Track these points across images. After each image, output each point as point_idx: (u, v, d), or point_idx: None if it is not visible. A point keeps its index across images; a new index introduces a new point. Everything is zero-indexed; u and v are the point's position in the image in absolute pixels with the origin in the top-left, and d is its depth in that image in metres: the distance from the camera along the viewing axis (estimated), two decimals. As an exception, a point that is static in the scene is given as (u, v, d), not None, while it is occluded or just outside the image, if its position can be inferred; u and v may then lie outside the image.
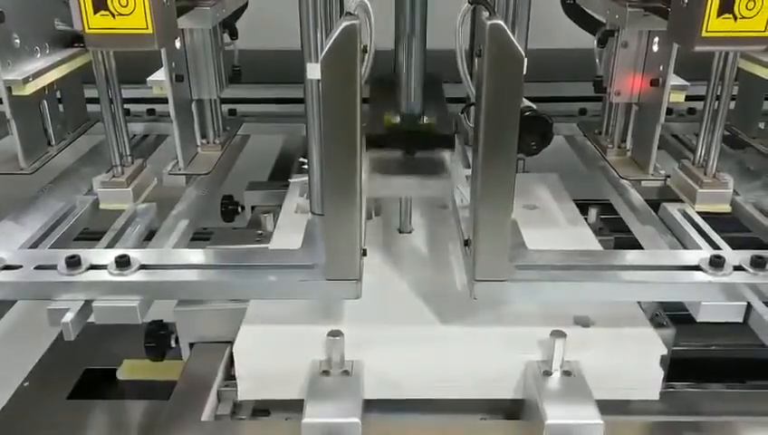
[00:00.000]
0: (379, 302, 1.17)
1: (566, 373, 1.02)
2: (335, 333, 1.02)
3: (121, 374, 1.45)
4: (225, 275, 1.08)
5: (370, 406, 1.04)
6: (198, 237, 1.39)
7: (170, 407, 1.06)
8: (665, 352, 1.06)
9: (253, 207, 1.60)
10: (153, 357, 1.21)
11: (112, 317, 1.04)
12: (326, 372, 1.03)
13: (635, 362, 1.07)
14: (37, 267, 1.08)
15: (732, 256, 1.08)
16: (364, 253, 1.05)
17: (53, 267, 1.06)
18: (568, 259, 1.10)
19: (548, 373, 1.02)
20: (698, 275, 1.06)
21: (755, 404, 1.20)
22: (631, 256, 1.16)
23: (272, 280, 1.06)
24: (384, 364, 1.06)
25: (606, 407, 0.96)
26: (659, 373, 1.07)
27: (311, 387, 1.00)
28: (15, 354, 1.50)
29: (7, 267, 1.08)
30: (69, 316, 1.00)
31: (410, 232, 1.43)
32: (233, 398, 1.11)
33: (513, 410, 1.10)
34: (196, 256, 1.14)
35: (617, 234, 1.48)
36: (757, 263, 1.06)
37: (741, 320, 1.04)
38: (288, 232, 1.35)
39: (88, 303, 1.03)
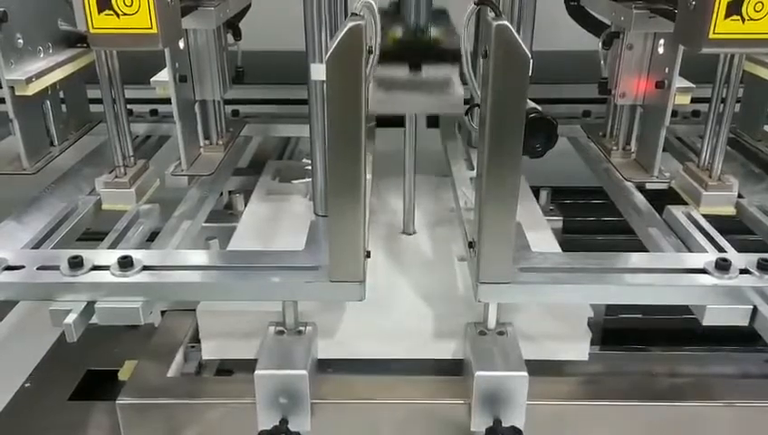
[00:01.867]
0: None
1: (500, 334, 1.11)
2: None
3: (123, 375, 1.45)
4: (228, 277, 1.07)
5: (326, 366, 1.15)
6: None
7: (139, 365, 1.14)
8: (591, 314, 1.14)
9: (230, 192, 1.62)
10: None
11: (115, 318, 1.04)
12: (281, 332, 1.11)
13: (564, 324, 1.15)
14: (40, 268, 1.07)
15: (737, 259, 1.08)
16: (368, 254, 1.05)
17: (56, 268, 1.06)
18: (572, 262, 1.10)
19: (483, 333, 1.12)
20: (704, 278, 1.05)
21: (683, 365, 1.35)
22: (636, 259, 1.16)
23: (275, 281, 1.06)
24: (337, 326, 1.13)
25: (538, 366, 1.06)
26: (587, 335, 1.15)
27: (265, 344, 1.08)
28: (17, 355, 1.50)
29: (9, 268, 1.07)
30: (71, 317, 1.00)
31: (413, 234, 1.43)
32: (198, 358, 1.20)
33: (454, 370, 1.16)
34: (200, 257, 1.14)
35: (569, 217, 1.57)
36: (763, 266, 1.05)
37: (746, 323, 1.04)
38: (256, 210, 1.48)
39: (90, 304, 1.03)
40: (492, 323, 1.13)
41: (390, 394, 1.09)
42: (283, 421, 1.03)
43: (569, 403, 1.10)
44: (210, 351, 1.17)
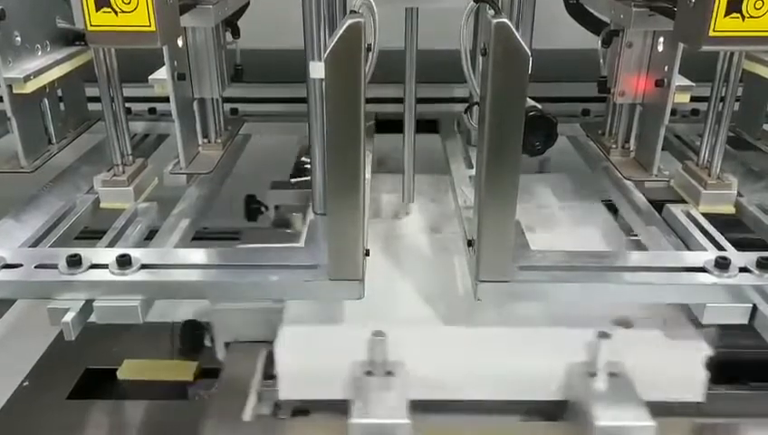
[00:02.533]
0: (412, 302, 1.17)
1: (612, 375, 1.02)
2: (378, 334, 1.02)
3: (122, 374, 1.45)
4: (226, 275, 1.07)
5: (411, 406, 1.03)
6: (199, 237, 1.38)
7: (212, 407, 1.06)
8: (710, 352, 1.05)
9: (276, 207, 1.57)
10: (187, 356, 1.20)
11: (113, 317, 1.03)
12: (369, 373, 1.02)
13: (679, 364, 1.06)
14: (38, 266, 1.07)
15: (737, 257, 1.08)
16: (367, 253, 1.05)
17: (54, 266, 1.06)
18: (572, 260, 1.10)
19: (593, 374, 1.02)
20: (703, 277, 1.05)
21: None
22: (636, 258, 1.16)
23: (274, 280, 1.06)
24: (425, 365, 1.05)
25: (651, 409, 0.96)
26: (703, 375, 1.06)
27: (356, 387, 1.00)
28: (15, 354, 1.50)
29: (7, 266, 1.07)
30: (69, 316, 1.00)
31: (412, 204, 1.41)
32: (273, 398, 1.10)
33: (550, 411, 1.09)
34: (198, 255, 1.13)
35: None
36: (762, 264, 1.05)
37: (746, 322, 1.04)
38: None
39: (89, 302, 1.03)
40: (602, 362, 1.03)
41: None
42: None
43: None
44: (288, 391, 1.08)
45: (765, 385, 1.22)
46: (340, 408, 1.01)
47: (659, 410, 0.98)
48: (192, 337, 1.17)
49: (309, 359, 1.08)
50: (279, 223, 1.47)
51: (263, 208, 1.68)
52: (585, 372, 1.02)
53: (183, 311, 1.61)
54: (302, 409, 1.12)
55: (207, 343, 1.17)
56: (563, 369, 1.05)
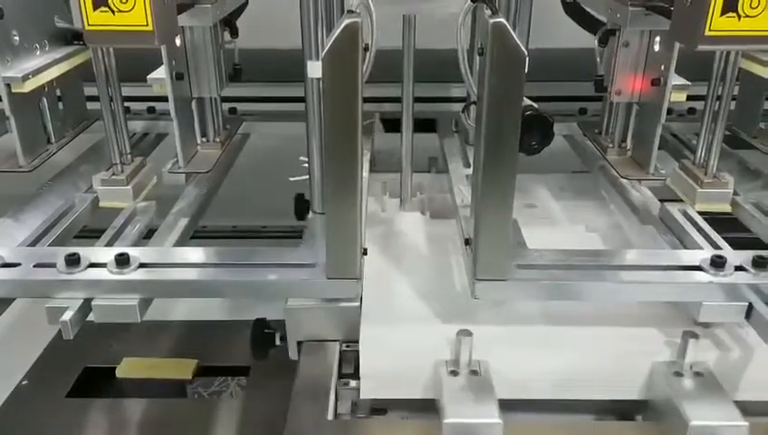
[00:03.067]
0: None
1: (697, 374, 1.02)
2: (464, 333, 1.01)
3: (120, 372, 1.45)
4: (225, 274, 1.07)
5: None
6: (198, 236, 1.39)
7: (294, 405, 1.03)
8: None
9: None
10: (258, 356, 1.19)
11: (112, 316, 1.04)
12: (454, 372, 1.02)
13: (763, 362, 1.05)
14: (36, 265, 1.07)
15: (733, 256, 1.08)
16: (365, 252, 1.05)
17: (53, 265, 1.06)
18: (568, 259, 1.10)
19: (679, 374, 1.02)
20: (699, 276, 1.06)
21: None
22: (632, 256, 1.17)
23: (272, 278, 1.06)
24: (509, 364, 1.05)
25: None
26: None
27: (443, 387, 0.99)
28: (14, 352, 1.50)
29: (6, 265, 1.07)
30: (68, 315, 1.00)
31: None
32: (351, 397, 1.10)
33: (625, 410, 1.09)
34: (196, 254, 1.14)
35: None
36: (758, 263, 1.05)
37: (742, 320, 1.04)
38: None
39: (87, 301, 1.03)
40: (688, 361, 1.02)
41: None
42: None
43: None
44: (370, 390, 1.08)
45: None
46: (417, 407, 1.03)
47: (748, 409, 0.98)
48: (263, 336, 1.17)
49: (391, 358, 1.07)
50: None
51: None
52: (670, 372, 1.02)
53: (180, 309, 1.62)
54: (380, 408, 1.12)
55: (278, 341, 1.17)
56: (646, 368, 1.05)
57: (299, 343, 1.13)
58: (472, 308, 1.11)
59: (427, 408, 1.02)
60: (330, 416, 1.02)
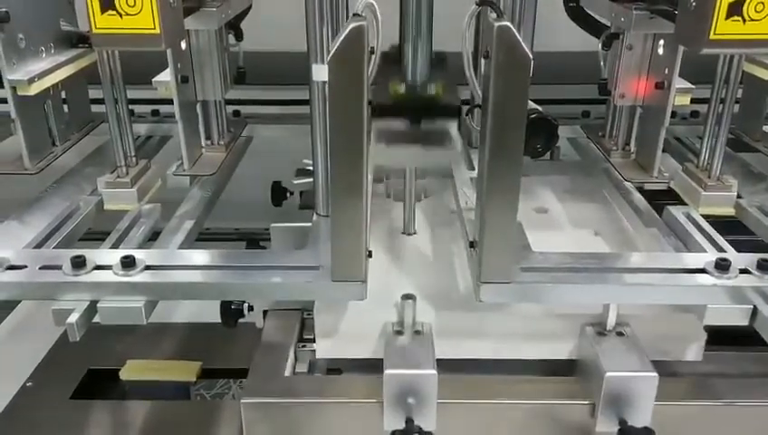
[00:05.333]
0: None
1: (619, 334, 1.10)
2: (408, 296, 1.11)
3: (124, 375, 1.45)
4: (230, 276, 1.07)
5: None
6: (201, 238, 1.39)
7: (254, 364, 1.13)
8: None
9: (301, 193, 1.59)
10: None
11: (118, 318, 1.04)
12: (399, 332, 1.11)
13: (680, 326, 1.13)
14: (42, 267, 1.07)
15: (737, 259, 1.08)
16: (369, 254, 1.05)
17: (58, 267, 1.06)
18: (573, 262, 1.10)
19: (602, 334, 1.10)
20: (704, 278, 1.06)
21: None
22: (636, 259, 1.17)
23: (277, 281, 1.06)
24: (449, 326, 1.13)
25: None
26: (703, 335, 1.13)
27: (388, 344, 1.08)
28: (19, 354, 1.50)
29: (12, 267, 1.08)
30: (74, 317, 1.00)
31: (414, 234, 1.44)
32: (308, 358, 1.21)
33: (554, 369, 1.17)
34: (202, 256, 1.14)
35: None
36: (763, 266, 1.05)
37: (746, 323, 1.04)
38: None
39: (93, 303, 1.03)
40: (611, 323, 1.11)
41: (512, 394, 1.09)
42: (409, 421, 1.02)
43: (691, 403, 1.08)
44: (325, 350, 1.18)
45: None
46: (370, 368, 1.10)
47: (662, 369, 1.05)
48: (231, 311, 1.25)
49: (344, 320, 1.15)
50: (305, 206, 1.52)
51: (287, 194, 1.74)
52: (595, 332, 1.11)
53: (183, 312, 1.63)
54: (335, 368, 1.21)
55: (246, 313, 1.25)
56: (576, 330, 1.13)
57: (264, 312, 1.24)
58: (424, 274, 1.23)
59: (379, 369, 1.07)
60: (287, 373, 1.12)
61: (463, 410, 1.08)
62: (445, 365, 1.05)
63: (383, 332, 1.12)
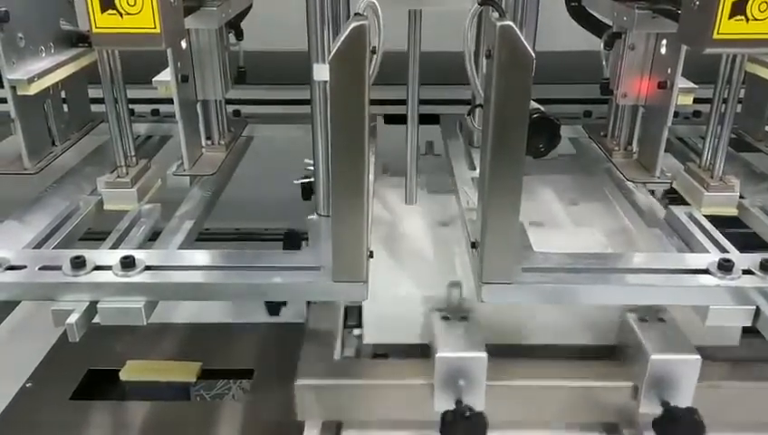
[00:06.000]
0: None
1: (660, 320, 1.14)
2: (455, 284, 1.16)
3: (124, 375, 1.45)
4: (230, 277, 1.07)
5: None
6: (201, 239, 1.39)
7: (305, 350, 1.17)
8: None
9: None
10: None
11: (117, 318, 1.03)
12: (446, 317, 1.14)
13: None
14: (42, 268, 1.07)
15: (740, 259, 1.08)
16: (371, 254, 1.05)
17: (58, 268, 1.06)
18: (575, 262, 1.10)
19: (644, 320, 1.14)
20: (707, 279, 1.05)
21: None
22: (639, 259, 1.16)
23: (278, 281, 1.06)
24: (494, 313, 1.16)
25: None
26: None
27: (437, 329, 1.11)
28: (18, 355, 1.50)
29: (11, 268, 1.07)
30: (74, 317, 1.00)
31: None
32: (355, 344, 1.25)
33: (600, 354, 1.20)
34: (202, 257, 1.13)
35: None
36: (766, 267, 1.05)
37: (749, 324, 1.04)
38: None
39: (93, 304, 1.03)
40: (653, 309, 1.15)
41: (557, 377, 1.13)
42: (458, 402, 1.05)
43: (731, 385, 1.11)
44: (372, 336, 1.22)
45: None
46: (415, 353, 1.15)
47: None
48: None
49: (393, 307, 1.20)
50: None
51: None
52: (637, 318, 1.14)
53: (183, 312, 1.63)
54: (381, 353, 1.24)
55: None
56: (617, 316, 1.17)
57: (308, 303, 1.27)
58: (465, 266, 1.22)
59: (423, 355, 1.14)
60: (336, 358, 1.16)
61: (510, 391, 1.12)
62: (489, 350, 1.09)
63: (429, 317, 1.15)
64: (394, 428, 1.14)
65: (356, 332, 1.23)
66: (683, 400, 1.06)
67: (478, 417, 1.03)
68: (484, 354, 1.05)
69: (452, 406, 1.05)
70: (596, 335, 1.20)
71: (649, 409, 1.07)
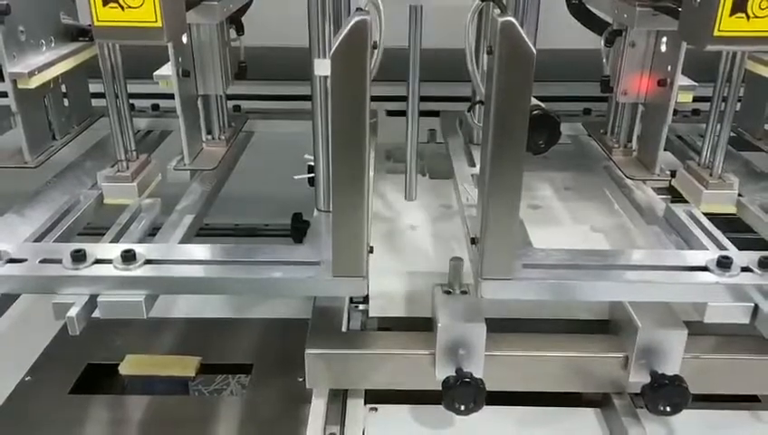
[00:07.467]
0: None
1: None
2: (457, 259, 1.17)
3: (124, 369, 1.45)
4: (231, 271, 1.07)
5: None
6: (201, 233, 1.39)
7: (313, 322, 1.20)
8: None
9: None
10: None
11: (118, 312, 1.04)
12: (448, 292, 1.17)
13: None
14: (42, 261, 1.07)
15: (739, 256, 1.08)
16: (371, 250, 1.05)
17: (59, 261, 1.06)
18: (574, 258, 1.10)
19: None
20: (705, 276, 1.05)
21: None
22: (638, 256, 1.16)
23: (278, 276, 1.06)
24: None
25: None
26: None
27: (439, 302, 1.14)
28: (18, 348, 1.50)
29: (12, 261, 1.07)
30: (74, 310, 1.00)
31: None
32: (360, 318, 1.29)
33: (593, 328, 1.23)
34: (202, 251, 1.13)
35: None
36: (764, 264, 1.05)
37: (747, 321, 1.04)
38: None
39: (93, 297, 1.03)
40: None
41: (551, 348, 1.16)
42: (459, 370, 1.09)
43: (715, 357, 1.14)
44: (378, 308, 1.27)
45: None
46: (417, 326, 1.19)
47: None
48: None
49: (397, 281, 1.28)
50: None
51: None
52: None
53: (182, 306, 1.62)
54: (385, 327, 1.27)
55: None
56: None
57: None
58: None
59: (426, 329, 1.16)
60: (344, 330, 1.21)
61: (507, 361, 1.14)
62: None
63: (432, 292, 1.18)
64: (398, 397, 1.19)
65: (361, 307, 1.28)
66: (670, 369, 1.08)
67: (478, 382, 1.07)
68: (483, 324, 1.08)
69: (453, 374, 1.09)
70: (590, 310, 1.24)
71: (639, 377, 1.10)
